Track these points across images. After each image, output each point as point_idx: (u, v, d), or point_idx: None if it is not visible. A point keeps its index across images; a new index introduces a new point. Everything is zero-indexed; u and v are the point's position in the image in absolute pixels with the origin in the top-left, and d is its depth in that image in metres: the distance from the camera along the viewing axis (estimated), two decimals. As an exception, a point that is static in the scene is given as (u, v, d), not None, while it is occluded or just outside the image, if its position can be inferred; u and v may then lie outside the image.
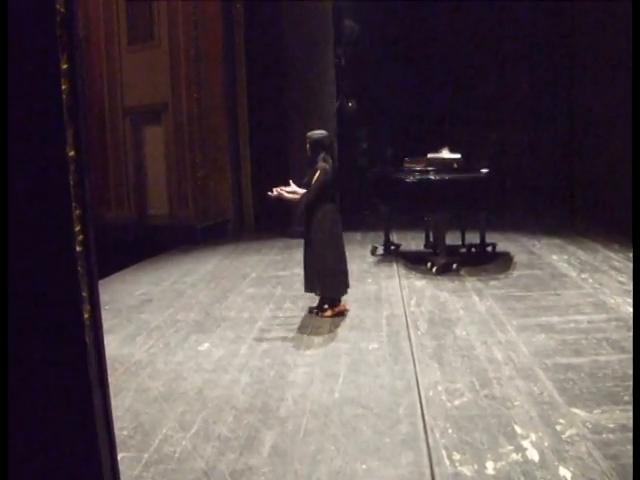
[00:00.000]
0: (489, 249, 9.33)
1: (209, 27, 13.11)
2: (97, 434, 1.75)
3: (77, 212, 1.74)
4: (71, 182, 1.72)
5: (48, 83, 1.70)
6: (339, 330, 5.94)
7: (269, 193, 6.27)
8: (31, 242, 1.69)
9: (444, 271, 8.07)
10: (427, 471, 3.28)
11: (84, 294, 1.75)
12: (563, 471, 3.19)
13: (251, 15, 13.16)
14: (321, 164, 6.10)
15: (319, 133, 6.34)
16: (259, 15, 12.96)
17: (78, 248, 1.73)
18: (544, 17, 13.90)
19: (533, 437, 3.58)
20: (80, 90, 1.79)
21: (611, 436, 3.52)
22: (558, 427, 3.69)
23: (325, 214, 6.16)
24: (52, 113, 1.70)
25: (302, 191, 6.17)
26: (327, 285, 6.26)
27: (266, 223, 12.93)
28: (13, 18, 1.63)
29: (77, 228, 1.73)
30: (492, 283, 7.48)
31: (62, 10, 1.70)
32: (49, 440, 1.75)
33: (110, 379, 2.05)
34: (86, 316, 1.75)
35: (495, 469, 3.25)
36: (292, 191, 6.25)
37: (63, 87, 1.71)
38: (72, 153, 1.74)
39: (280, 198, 6.24)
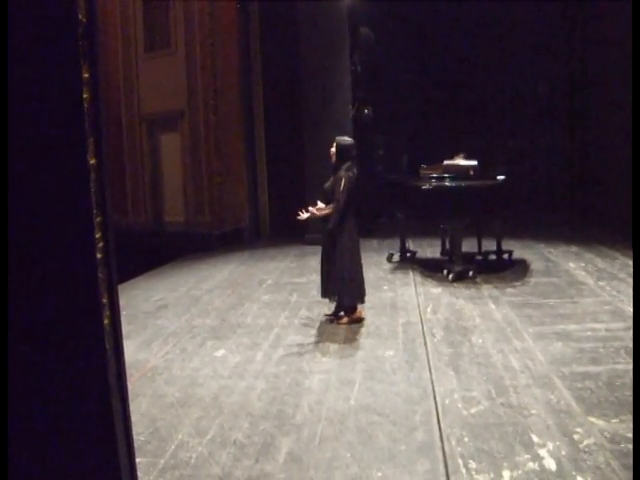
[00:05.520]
0: (505, 256, 9.28)
1: (225, 34, 13.19)
2: (116, 439, 1.77)
3: (98, 219, 1.76)
4: (92, 189, 1.75)
5: (70, 92, 1.72)
6: (355, 337, 5.94)
7: (299, 216, 6.21)
8: (52, 249, 1.71)
9: (460, 278, 8.05)
10: (443, 479, 3.28)
11: (104, 300, 1.77)
12: (581, 481, 3.18)
13: (267, 22, 13.22)
14: (344, 172, 6.08)
15: (349, 141, 6.29)
16: (275, 23, 13.01)
17: (99, 255, 1.75)
18: (553, 26, 13.91)
19: (550, 446, 3.55)
20: (101, 99, 1.82)
21: (630, 446, 3.48)
22: (575, 436, 3.66)
23: (343, 222, 6.14)
24: (74, 121, 1.73)
25: (329, 206, 6.13)
26: (344, 292, 6.25)
27: (282, 230, 12.94)
28: (36, 28, 1.65)
29: (98, 235, 1.75)
30: (508, 290, 7.45)
31: (84, 20, 1.72)
32: (68, 445, 1.77)
33: (128, 385, 2.06)
34: (106, 322, 1.77)
35: (512, 478, 3.24)
36: (320, 208, 6.20)
37: (85, 96, 1.73)
38: (93, 161, 1.76)
39: (312, 216, 6.18)
